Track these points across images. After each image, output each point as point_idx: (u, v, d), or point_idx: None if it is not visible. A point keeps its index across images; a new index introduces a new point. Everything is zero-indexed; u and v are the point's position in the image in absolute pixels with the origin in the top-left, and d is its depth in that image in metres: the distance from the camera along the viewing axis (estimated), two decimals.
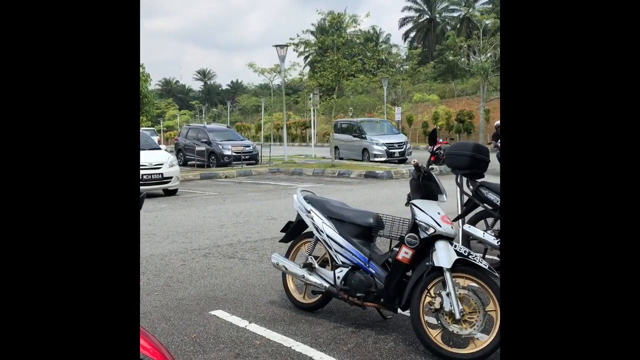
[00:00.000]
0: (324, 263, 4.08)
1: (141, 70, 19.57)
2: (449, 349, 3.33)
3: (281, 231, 4.52)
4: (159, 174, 11.85)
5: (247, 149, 20.26)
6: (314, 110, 25.93)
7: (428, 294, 3.38)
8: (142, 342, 2.14)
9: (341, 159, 21.41)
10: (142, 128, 22.52)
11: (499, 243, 4.59)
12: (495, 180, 4.07)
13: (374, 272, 3.66)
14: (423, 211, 3.47)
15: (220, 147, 19.78)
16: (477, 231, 4.81)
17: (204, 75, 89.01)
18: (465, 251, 3.36)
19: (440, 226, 3.38)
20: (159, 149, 13.51)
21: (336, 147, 21.47)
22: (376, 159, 20.25)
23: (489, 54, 22.68)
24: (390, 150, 20.48)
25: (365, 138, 21.25)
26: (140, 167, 11.53)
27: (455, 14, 55.86)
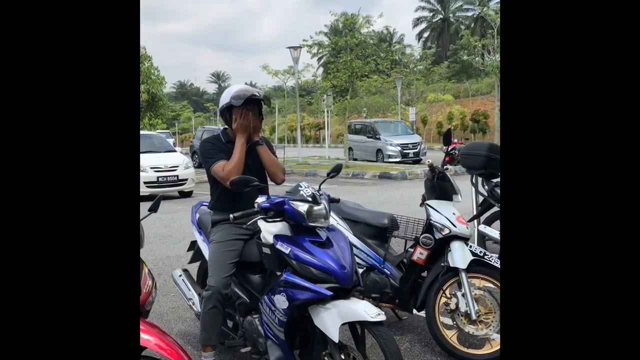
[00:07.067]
0: None
1: (156, 73, 19.71)
2: (465, 349, 3.32)
3: None
4: (175, 176, 11.94)
5: None
6: (327, 112, 25.96)
7: (443, 295, 3.38)
8: (159, 342, 2.17)
9: (355, 159, 21.37)
10: (157, 131, 22.70)
11: None
12: None
13: (389, 272, 3.66)
14: (438, 212, 3.46)
15: None
16: (492, 231, 4.78)
17: (218, 77, 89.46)
18: (480, 251, 3.35)
19: (456, 226, 3.38)
20: (174, 151, 13.61)
21: (350, 148, 21.44)
22: (390, 160, 20.18)
23: None
24: (405, 151, 20.40)
25: (379, 139, 21.19)
26: (156, 170, 11.66)
27: (469, 14, 55.48)
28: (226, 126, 3.19)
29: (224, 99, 3.07)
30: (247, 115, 3.01)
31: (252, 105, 3.06)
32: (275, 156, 3.25)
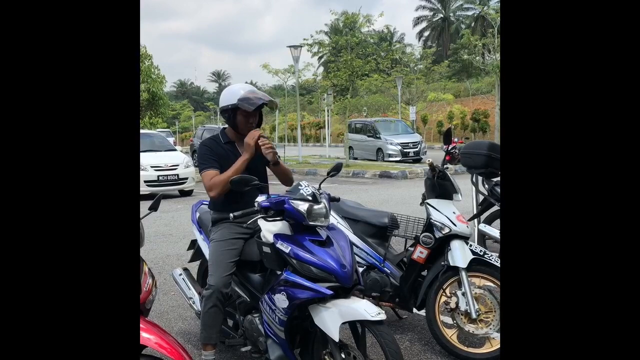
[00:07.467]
0: None
1: (156, 72, 19.70)
2: (465, 348, 3.33)
3: None
4: (175, 175, 11.94)
5: None
6: (327, 111, 25.97)
7: (443, 294, 3.38)
8: (159, 341, 2.17)
9: (355, 159, 21.38)
10: (157, 129, 22.70)
11: None
12: None
13: (389, 271, 3.66)
14: (438, 211, 3.47)
15: None
16: (492, 230, 4.78)
17: (218, 76, 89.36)
18: (480, 250, 3.35)
19: (456, 225, 3.38)
20: (175, 150, 13.62)
21: (350, 147, 21.45)
22: (390, 159, 20.19)
23: None
24: (405, 150, 20.41)
25: (379, 138, 21.20)
26: (156, 168, 11.66)
27: (470, 13, 55.51)
28: (225, 125, 3.19)
29: (229, 99, 3.03)
30: (270, 147, 2.96)
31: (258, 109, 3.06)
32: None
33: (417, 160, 20.11)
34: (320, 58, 53.22)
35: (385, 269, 3.66)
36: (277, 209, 2.63)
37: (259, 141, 2.94)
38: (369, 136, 21.83)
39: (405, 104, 30.17)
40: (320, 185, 2.91)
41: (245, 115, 3.04)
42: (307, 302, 2.56)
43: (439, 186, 3.57)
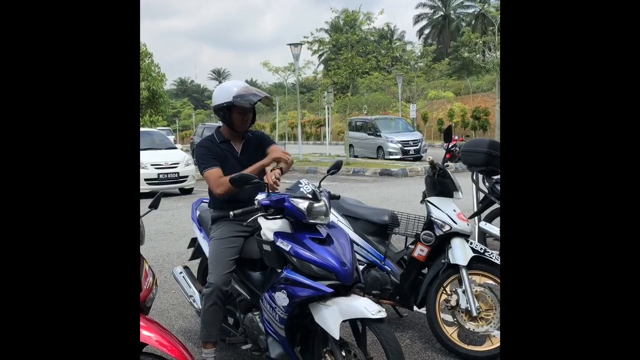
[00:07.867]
0: None
1: (157, 70, 19.72)
2: (466, 346, 3.33)
3: None
4: (175, 173, 11.94)
5: None
6: (328, 109, 25.97)
7: (444, 292, 3.38)
8: (160, 339, 2.17)
9: (356, 156, 21.37)
10: (158, 128, 22.73)
11: None
12: None
13: (389, 269, 3.66)
14: (438, 208, 3.46)
15: None
16: (493, 228, 4.78)
17: (218, 74, 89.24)
18: (481, 248, 3.35)
19: (456, 223, 3.38)
20: (175, 148, 13.61)
21: (351, 145, 21.43)
22: (391, 157, 20.18)
23: None
24: (405, 148, 20.40)
25: (379, 136, 21.19)
26: (157, 167, 11.66)
27: (470, 10, 55.39)
28: (220, 124, 3.21)
29: (223, 97, 3.03)
30: (276, 184, 2.80)
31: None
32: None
33: (418, 158, 20.10)
34: (320, 56, 53.14)
35: (385, 266, 3.66)
36: (277, 207, 2.63)
37: (274, 176, 2.78)
38: (369, 134, 21.82)
39: (406, 101, 30.16)
40: (320, 183, 2.91)
41: (241, 113, 3.05)
42: (308, 300, 2.56)
43: (440, 184, 3.57)
